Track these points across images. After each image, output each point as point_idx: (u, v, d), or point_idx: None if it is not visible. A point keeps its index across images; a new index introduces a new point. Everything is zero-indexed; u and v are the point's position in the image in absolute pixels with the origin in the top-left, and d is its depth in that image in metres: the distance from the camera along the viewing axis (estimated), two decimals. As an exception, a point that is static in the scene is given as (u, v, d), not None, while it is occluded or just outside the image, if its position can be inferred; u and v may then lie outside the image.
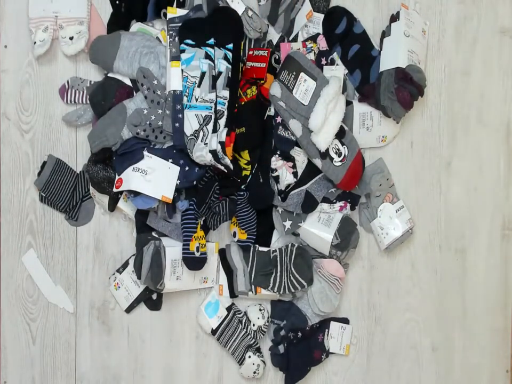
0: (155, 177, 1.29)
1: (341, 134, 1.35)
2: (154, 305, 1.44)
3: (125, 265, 1.42)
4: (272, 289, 1.37)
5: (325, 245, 1.37)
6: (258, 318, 1.41)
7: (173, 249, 1.35)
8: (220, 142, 1.26)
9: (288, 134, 1.35)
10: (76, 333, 1.45)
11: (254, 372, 1.42)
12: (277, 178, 1.34)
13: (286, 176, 1.34)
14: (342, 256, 1.39)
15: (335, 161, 1.35)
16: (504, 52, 1.47)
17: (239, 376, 1.45)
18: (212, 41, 1.29)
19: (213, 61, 1.29)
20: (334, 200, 1.39)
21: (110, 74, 1.36)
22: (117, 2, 1.38)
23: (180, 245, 1.33)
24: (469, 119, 1.47)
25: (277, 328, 1.43)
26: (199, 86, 1.28)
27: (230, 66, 1.29)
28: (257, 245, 1.40)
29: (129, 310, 1.43)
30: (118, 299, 1.43)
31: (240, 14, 1.33)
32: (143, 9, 1.37)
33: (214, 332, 1.42)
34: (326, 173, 1.35)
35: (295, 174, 1.35)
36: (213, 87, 1.28)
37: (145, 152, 1.30)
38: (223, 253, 1.42)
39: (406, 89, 1.33)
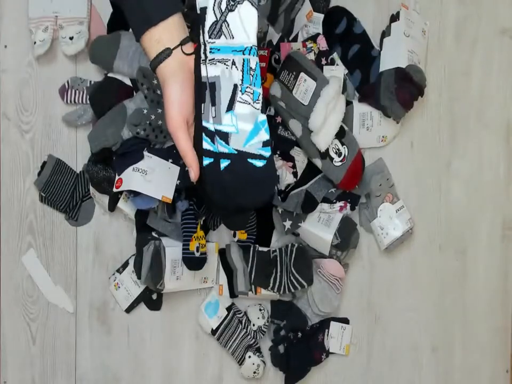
0: (155, 177, 1.29)
1: (341, 134, 1.35)
2: (154, 305, 1.44)
3: (125, 265, 1.42)
4: (272, 289, 1.37)
5: (325, 245, 1.37)
6: (258, 318, 1.41)
7: (173, 249, 1.35)
8: None
9: (288, 134, 1.35)
10: (76, 333, 1.45)
11: (254, 372, 1.42)
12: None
13: (286, 176, 1.34)
14: (342, 256, 1.40)
15: (335, 161, 1.35)
16: (504, 52, 1.47)
17: (239, 376, 1.45)
18: None
19: None
20: (334, 200, 1.38)
21: (110, 74, 1.36)
22: (117, 2, 1.38)
23: (180, 245, 1.33)
24: (469, 119, 1.47)
25: (277, 328, 1.43)
26: None
27: None
28: (257, 245, 1.40)
29: (129, 310, 1.43)
30: (118, 299, 1.43)
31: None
32: (143, 9, 1.37)
33: (214, 331, 1.42)
34: (326, 173, 1.35)
35: (295, 174, 1.35)
36: None
37: (145, 152, 1.30)
38: (223, 253, 1.42)
39: (406, 89, 1.33)
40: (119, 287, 1.42)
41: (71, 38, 1.37)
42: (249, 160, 0.83)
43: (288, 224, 1.36)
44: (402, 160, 1.46)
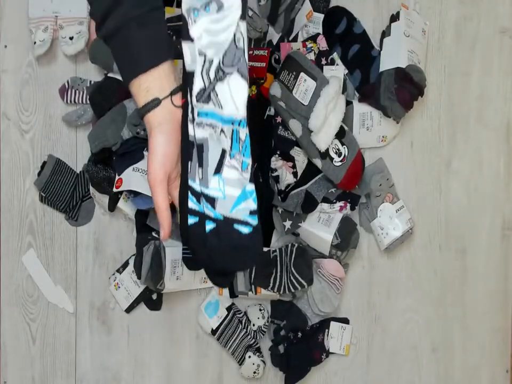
0: (155, 177, 1.29)
1: (341, 134, 1.35)
2: (154, 305, 1.44)
3: (125, 265, 1.42)
4: (272, 289, 1.37)
5: (325, 245, 1.37)
6: (258, 318, 1.41)
7: (173, 249, 1.35)
8: None
9: (288, 134, 1.35)
10: (76, 333, 1.45)
11: (254, 372, 1.42)
12: (276, 178, 1.34)
13: (286, 176, 1.34)
14: (342, 256, 1.39)
15: (335, 161, 1.35)
16: (504, 52, 1.47)
17: (239, 376, 1.45)
18: None
19: None
20: (334, 200, 1.38)
21: (110, 74, 1.36)
22: (117, 2, 1.38)
23: (179, 245, 1.33)
24: (469, 119, 1.47)
25: (277, 328, 1.43)
26: None
27: None
28: (257, 245, 1.40)
29: (129, 310, 1.43)
30: (118, 299, 1.43)
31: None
32: (143, 9, 1.37)
33: (214, 332, 1.42)
34: (326, 173, 1.35)
35: (295, 174, 1.35)
36: None
37: (145, 152, 1.30)
38: (223, 253, 1.42)
39: (406, 89, 1.33)
40: (119, 287, 1.42)
41: (71, 38, 1.37)
42: (235, 226, 0.80)
43: (288, 224, 1.36)
44: (402, 160, 1.46)
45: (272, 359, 1.44)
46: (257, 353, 1.42)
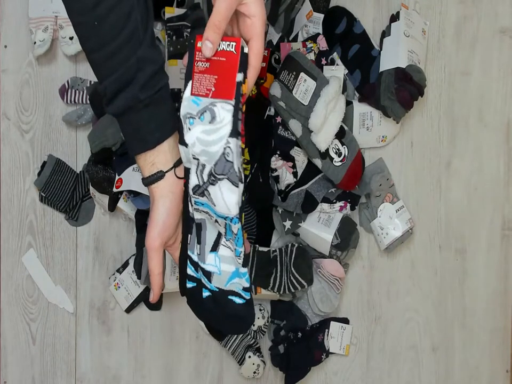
0: (155, 177, 1.29)
1: (341, 134, 1.35)
2: (154, 305, 1.44)
3: (125, 265, 1.42)
4: (272, 289, 1.37)
5: (325, 245, 1.37)
6: (258, 318, 1.41)
7: (173, 249, 1.35)
8: None
9: (288, 134, 1.35)
10: (76, 333, 1.45)
11: (254, 372, 1.42)
12: (276, 178, 1.34)
13: (286, 176, 1.34)
14: (342, 256, 1.39)
15: (335, 161, 1.35)
16: (504, 52, 1.47)
17: (239, 376, 1.45)
18: None
19: None
20: (334, 200, 1.38)
21: (110, 74, 1.36)
22: (117, 2, 1.37)
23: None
24: (469, 119, 1.47)
25: (277, 328, 1.43)
26: None
27: None
28: (257, 245, 1.40)
29: (129, 310, 1.43)
30: (118, 299, 1.43)
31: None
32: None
33: (214, 332, 1.42)
34: (326, 173, 1.35)
35: (295, 174, 1.35)
36: None
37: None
38: (223, 253, 1.42)
39: (406, 89, 1.33)
40: (119, 287, 1.42)
41: (71, 38, 1.37)
42: (230, 297, 0.85)
43: (288, 224, 1.36)
44: (402, 160, 1.46)
45: (272, 359, 1.44)
46: (257, 353, 1.42)
